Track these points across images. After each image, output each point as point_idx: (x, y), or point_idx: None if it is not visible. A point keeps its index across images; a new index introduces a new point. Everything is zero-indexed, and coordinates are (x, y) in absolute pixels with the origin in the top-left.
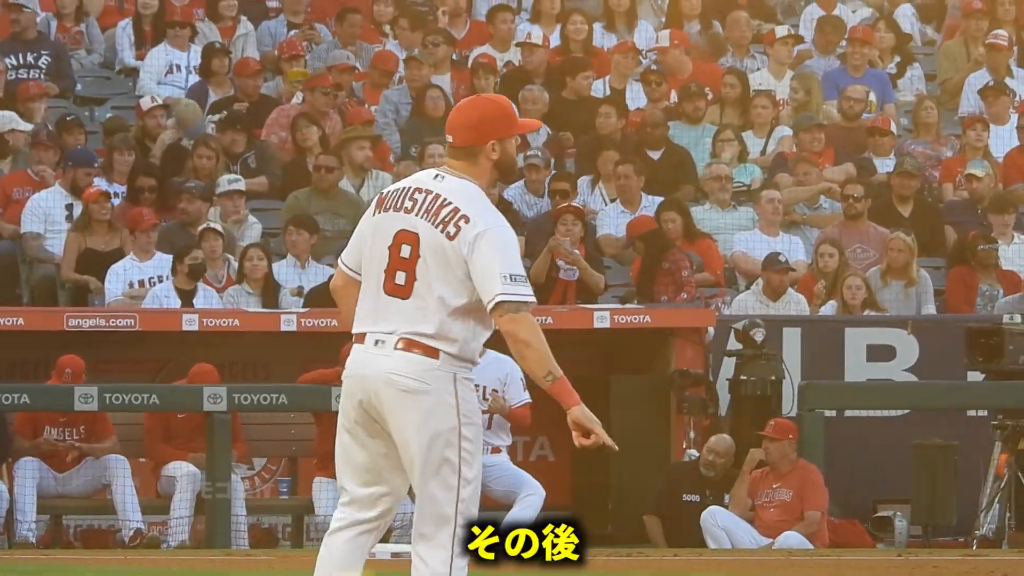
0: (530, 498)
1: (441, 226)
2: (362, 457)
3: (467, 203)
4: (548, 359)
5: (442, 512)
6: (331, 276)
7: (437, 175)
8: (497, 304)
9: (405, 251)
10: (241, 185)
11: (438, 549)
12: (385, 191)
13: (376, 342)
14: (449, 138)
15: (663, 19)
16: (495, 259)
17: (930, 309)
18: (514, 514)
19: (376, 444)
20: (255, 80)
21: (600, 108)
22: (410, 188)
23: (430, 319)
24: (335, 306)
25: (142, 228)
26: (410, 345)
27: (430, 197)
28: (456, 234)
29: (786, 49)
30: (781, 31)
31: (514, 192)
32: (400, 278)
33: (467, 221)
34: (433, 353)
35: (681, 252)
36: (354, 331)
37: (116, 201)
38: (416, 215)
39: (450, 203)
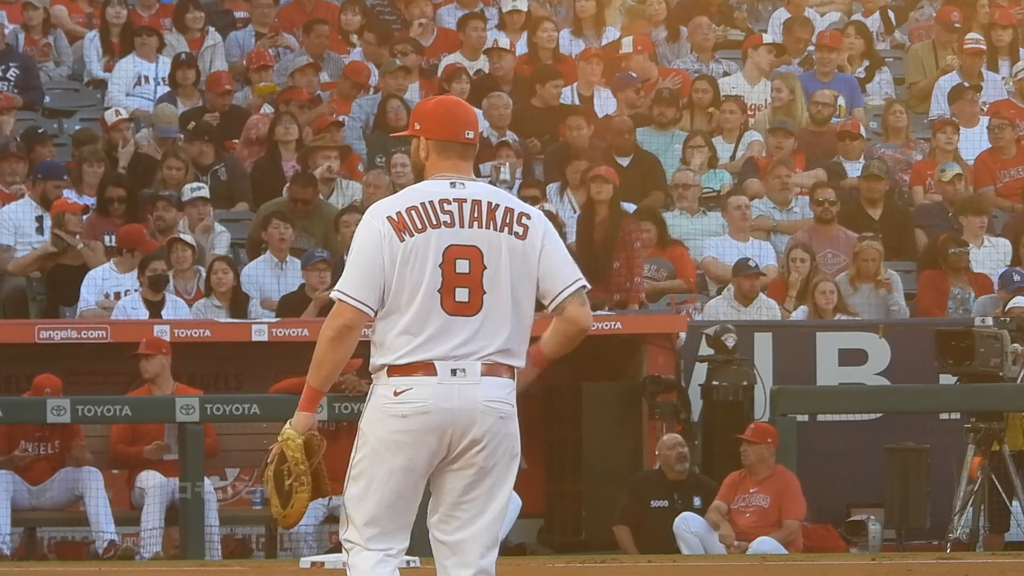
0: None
1: (507, 229)
2: (411, 509)
3: (512, 201)
4: None
5: (496, 532)
6: (302, 285)
7: (453, 183)
8: (578, 289)
9: (462, 266)
10: (204, 192)
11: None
12: (391, 213)
13: (454, 371)
14: (470, 134)
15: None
16: (564, 251)
17: (900, 302)
18: None
19: (423, 484)
20: (225, 98)
21: (568, 119)
22: (432, 202)
23: (502, 333)
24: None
25: (144, 249)
26: (495, 369)
27: (470, 206)
28: (525, 233)
29: (768, 57)
30: (767, 38)
31: None
32: (462, 295)
33: (529, 218)
34: (511, 372)
35: (635, 222)
36: (407, 361)
37: (85, 216)
38: (466, 227)
39: (498, 204)
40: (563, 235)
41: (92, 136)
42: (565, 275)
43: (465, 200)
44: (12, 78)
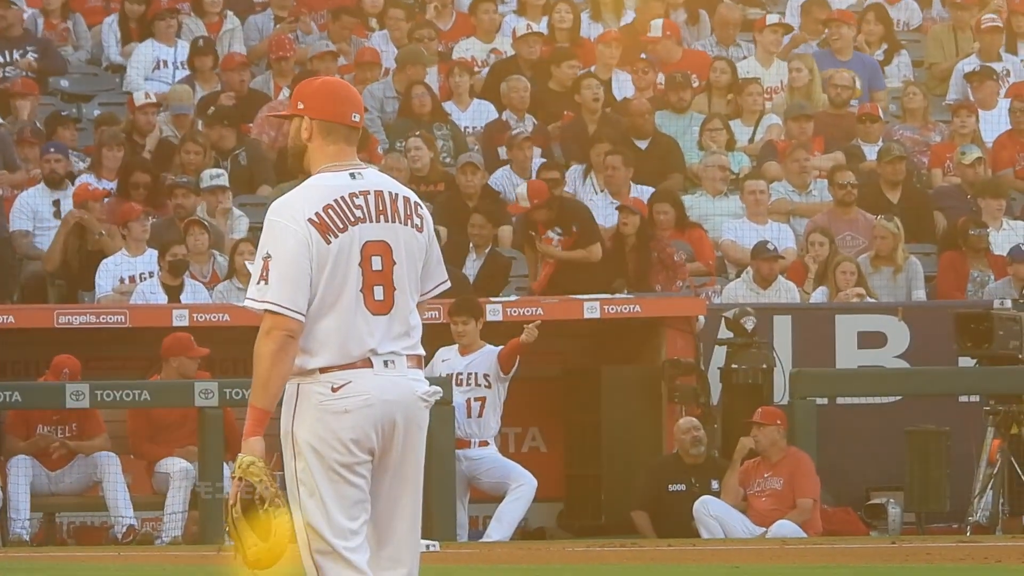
0: (521, 488)
1: (408, 221)
2: (367, 507)
3: (405, 190)
4: None
5: (417, 525)
6: None
7: (352, 173)
8: (443, 287)
9: (376, 263)
10: (224, 180)
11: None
12: (310, 214)
13: (386, 363)
14: (356, 117)
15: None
16: (438, 247)
17: (920, 295)
18: (506, 505)
19: (365, 482)
20: (241, 74)
21: (583, 82)
22: (344, 198)
23: (411, 327)
24: None
25: (134, 218)
26: (416, 361)
27: (374, 198)
28: (422, 224)
29: (775, 37)
30: (772, 19)
31: (502, 176)
32: (379, 293)
33: (422, 209)
34: (423, 364)
35: (665, 239)
36: (336, 362)
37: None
38: (375, 221)
39: (397, 194)
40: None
41: (115, 120)
42: (439, 272)
43: (368, 192)
44: (33, 60)
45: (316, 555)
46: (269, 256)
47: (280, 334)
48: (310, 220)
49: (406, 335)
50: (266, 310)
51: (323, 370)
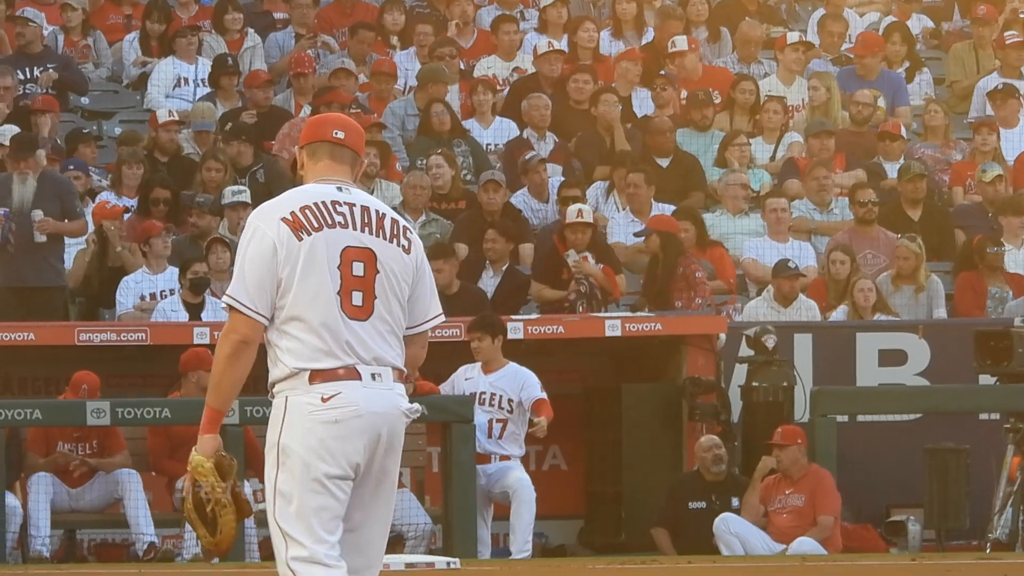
0: (518, 493)
1: (394, 240)
2: (341, 528)
3: (393, 212)
4: None
5: (386, 536)
6: None
7: (339, 187)
8: (437, 322)
9: (358, 269)
10: (246, 197)
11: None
12: (284, 214)
13: (373, 375)
14: (340, 134)
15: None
16: (432, 278)
17: (941, 313)
18: (513, 518)
19: (346, 498)
20: (265, 92)
21: (601, 96)
22: (325, 203)
23: (393, 341)
24: None
25: (155, 235)
26: (400, 375)
27: (359, 210)
28: (410, 247)
29: (796, 55)
30: (792, 37)
31: (519, 199)
32: (357, 298)
33: (411, 233)
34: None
35: (692, 256)
36: (327, 366)
37: (126, 216)
38: (359, 230)
39: (384, 214)
40: (602, 235)
41: (136, 137)
42: (433, 305)
43: (354, 204)
44: (54, 76)
45: (292, 562)
46: (242, 256)
47: (235, 338)
48: (283, 219)
49: (387, 344)
50: (228, 305)
51: (312, 377)
